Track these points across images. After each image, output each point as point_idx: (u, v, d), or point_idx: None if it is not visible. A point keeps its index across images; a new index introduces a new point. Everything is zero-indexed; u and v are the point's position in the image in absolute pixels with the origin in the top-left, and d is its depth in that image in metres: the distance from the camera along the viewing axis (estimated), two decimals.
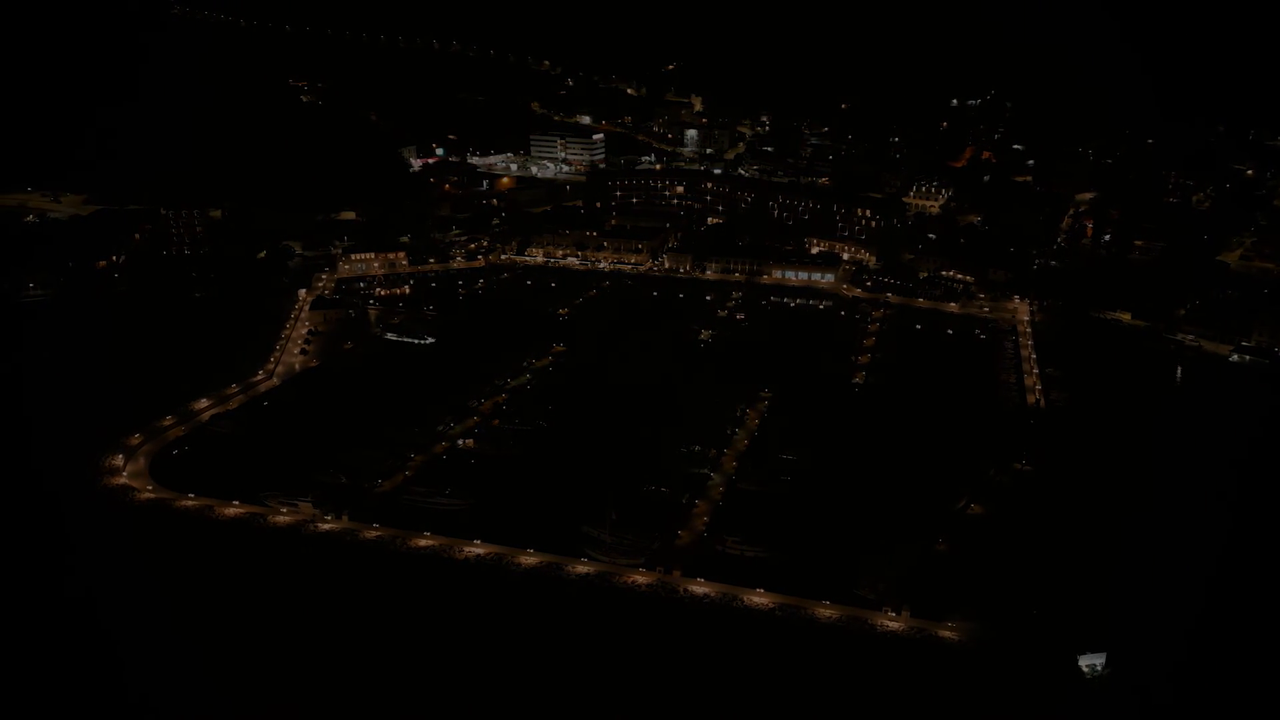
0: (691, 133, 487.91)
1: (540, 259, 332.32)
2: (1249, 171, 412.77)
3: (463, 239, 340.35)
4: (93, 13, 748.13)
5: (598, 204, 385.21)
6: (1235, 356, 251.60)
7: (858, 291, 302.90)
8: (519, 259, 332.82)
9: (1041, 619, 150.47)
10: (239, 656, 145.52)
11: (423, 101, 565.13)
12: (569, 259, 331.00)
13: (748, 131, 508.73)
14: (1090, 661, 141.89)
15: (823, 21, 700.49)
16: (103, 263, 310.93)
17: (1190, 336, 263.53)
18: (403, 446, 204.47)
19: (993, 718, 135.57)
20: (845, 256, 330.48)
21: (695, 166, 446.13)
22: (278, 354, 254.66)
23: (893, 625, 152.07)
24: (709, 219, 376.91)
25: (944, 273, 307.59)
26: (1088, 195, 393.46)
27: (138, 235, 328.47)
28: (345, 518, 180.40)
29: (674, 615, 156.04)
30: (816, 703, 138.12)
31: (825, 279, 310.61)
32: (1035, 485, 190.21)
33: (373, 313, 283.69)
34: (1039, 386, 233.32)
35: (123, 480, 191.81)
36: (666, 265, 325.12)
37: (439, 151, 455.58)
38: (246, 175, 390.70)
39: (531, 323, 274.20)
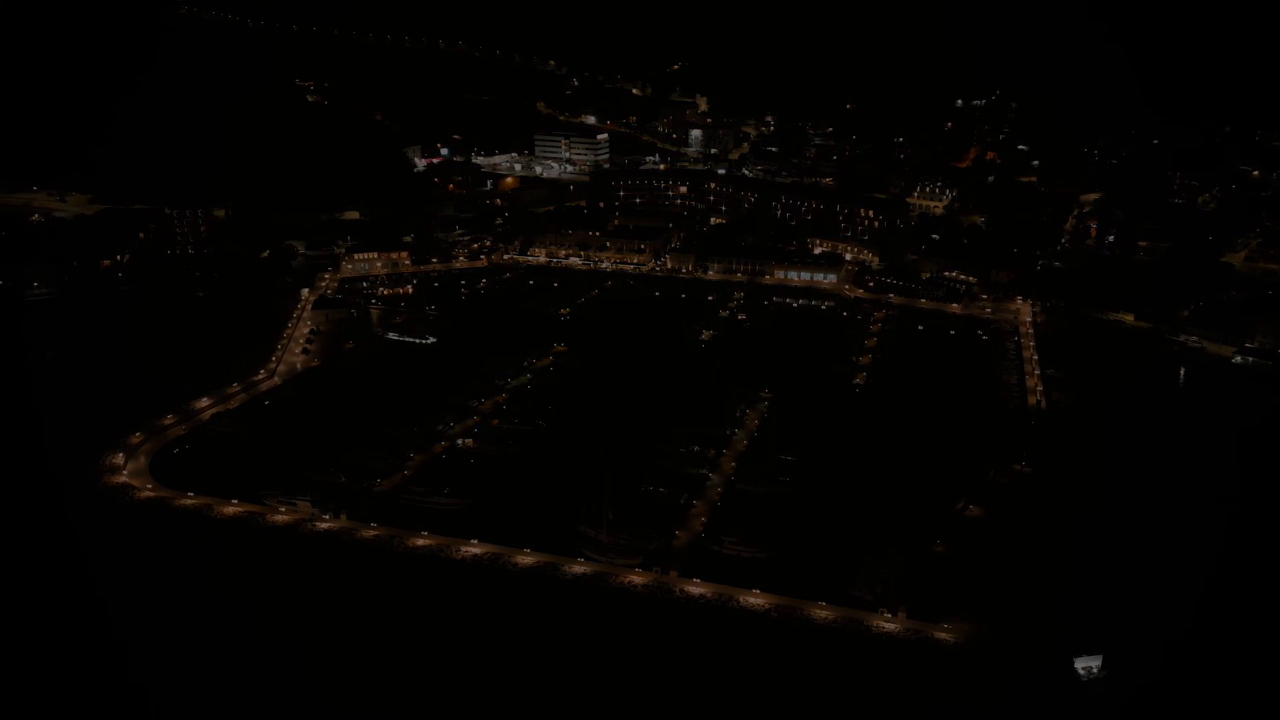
0: (696, 133, 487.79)
1: (543, 259, 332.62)
2: (1255, 173, 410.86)
3: (465, 239, 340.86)
4: (100, 12, 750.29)
5: (601, 204, 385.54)
6: (1238, 358, 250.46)
7: (860, 292, 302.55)
8: (521, 259, 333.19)
9: (1038, 621, 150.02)
10: (237, 655, 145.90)
11: (428, 101, 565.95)
12: (571, 259, 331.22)
13: (752, 132, 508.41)
14: (1086, 664, 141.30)
15: (828, 22, 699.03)
16: (107, 262, 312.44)
17: (1193, 338, 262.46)
18: (402, 446, 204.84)
19: None
20: (848, 257, 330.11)
21: (699, 166, 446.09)
22: (279, 353, 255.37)
23: (888, 627, 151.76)
24: (712, 219, 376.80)
25: (947, 273, 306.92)
26: (1092, 196, 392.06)
27: (142, 234, 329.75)
28: (343, 517, 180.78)
29: (670, 615, 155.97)
30: (811, 704, 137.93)
31: (828, 279, 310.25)
32: (1034, 487, 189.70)
33: (375, 312, 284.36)
34: (1040, 388, 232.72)
35: (123, 479, 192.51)
36: (669, 265, 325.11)
37: (443, 151, 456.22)
38: (251, 175, 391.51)
39: (533, 323, 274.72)
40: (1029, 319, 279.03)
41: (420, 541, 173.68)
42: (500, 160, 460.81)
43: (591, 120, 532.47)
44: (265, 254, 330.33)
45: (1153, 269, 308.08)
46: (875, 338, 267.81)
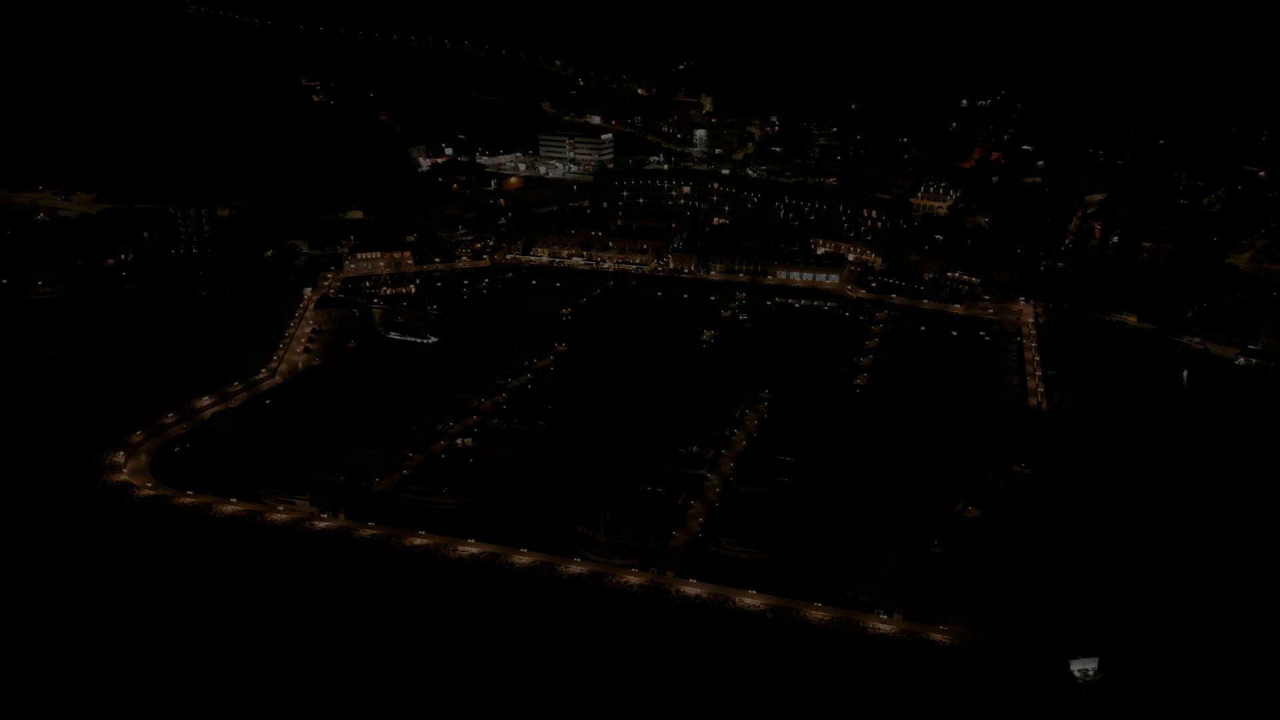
0: (701, 133, 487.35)
1: (545, 259, 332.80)
2: (1261, 173, 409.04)
3: (468, 238, 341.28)
4: (106, 12, 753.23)
5: (604, 204, 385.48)
6: (1241, 360, 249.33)
7: (862, 293, 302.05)
8: (524, 259, 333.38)
9: (1034, 623, 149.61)
10: (235, 653, 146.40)
11: (434, 101, 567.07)
12: (574, 259, 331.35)
13: (757, 132, 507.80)
14: (1082, 666, 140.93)
15: (833, 22, 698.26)
16: (111, 261, 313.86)
17: (1197, 339, 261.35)
18: (401, 445, 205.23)
19: None
20: (851, 258, 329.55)
21: (704, 166, 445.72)
22: (281, 352, 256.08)
23: (884, 628, 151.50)
24: (715, 219, 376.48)
25: (949, 274, 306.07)
26: (1097, 196, 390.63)
27: (147, 234, 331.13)
28: (341, 516, 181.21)
29: (666, 616, 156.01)
30: (806, 705, 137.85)
31: (830, 280, 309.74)
32: (1033, 488, 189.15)
33: (377, 312, 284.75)
34: (1041, 389, 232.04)
35: (123, 477, 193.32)
36: (671, 265, 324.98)
37: (448, 151, 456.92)
38: (255, 175, 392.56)
39: (534, 322, 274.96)
40: (1031, 320, 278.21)
41: (417, 541, 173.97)
42: (505, 160, 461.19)
43: (597, 120, 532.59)
44: (268, 253, 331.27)
45: (1156, 270, 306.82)
46: (877, 338, 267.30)
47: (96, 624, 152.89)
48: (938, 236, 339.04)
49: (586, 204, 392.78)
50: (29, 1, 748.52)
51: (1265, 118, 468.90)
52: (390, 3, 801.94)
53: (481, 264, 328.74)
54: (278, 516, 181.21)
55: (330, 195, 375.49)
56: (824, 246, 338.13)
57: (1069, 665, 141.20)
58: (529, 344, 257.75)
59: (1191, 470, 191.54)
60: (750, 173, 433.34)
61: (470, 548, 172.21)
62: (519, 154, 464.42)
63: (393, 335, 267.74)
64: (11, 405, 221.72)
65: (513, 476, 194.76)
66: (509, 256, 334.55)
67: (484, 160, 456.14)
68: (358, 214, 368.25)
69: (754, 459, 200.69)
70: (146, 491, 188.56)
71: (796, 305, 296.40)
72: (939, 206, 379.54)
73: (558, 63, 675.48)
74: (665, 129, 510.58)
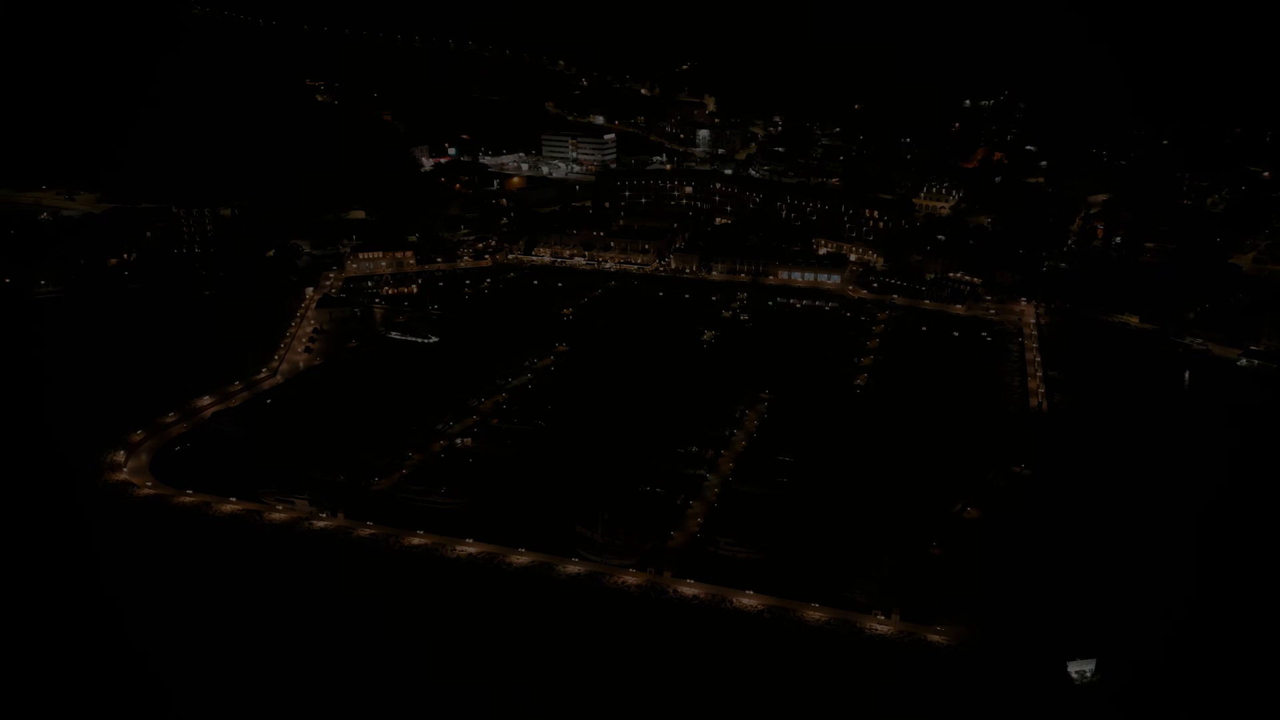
0: (704, 133, 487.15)
1: (547, 259, 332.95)
2: (1265, 174, 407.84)
3: (470, 238, 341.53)
4: (110, 12, 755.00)
5: (606, 204, 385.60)
6: (1243, 361, 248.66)
7: (864, 293, 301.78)
8: (526, 259, 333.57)
9: (1031, 623, 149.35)
10: (233, 652, 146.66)
11: (437, 101, 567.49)
12: (575, 259, 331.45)
13: (760, 132, 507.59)
14: (1080, 668, 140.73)
15: (836, 22, 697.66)
16: (114, 260, 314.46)
17: (1199, 340, 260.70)
18: (401, 445, 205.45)
19: None
20: (852, 258, 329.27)
21: (706, 167, 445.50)
22: (282, 352, 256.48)
23: (882, 628, 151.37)
24: (717, 219, 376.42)
25: (951, 274, 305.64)
26: (1101, 197, 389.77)
27: (149, 233, 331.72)
28: (340, 515, 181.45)
29: (663, 616, 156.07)
30: (803, 705, 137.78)
31: (831, 280, 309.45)
32: (1033, 489, 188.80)
33: (378, 311, 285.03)
34: (1041, 390, 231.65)
35: (123, 476, 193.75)
36: (673, 265, 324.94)
37: (451, 151, 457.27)
38: (258, 174, 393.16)
39: (535, 322, 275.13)
40: (1033, 320, 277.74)
41: (416, 540, 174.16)
42: (508, 160, 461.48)
43: (600, 120, 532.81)
44: (271, 253, 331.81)
45: (1159, 271, 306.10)
46: (878, 339, 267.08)
47: (97, 623, 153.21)
48: (940, 237, 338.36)
49: (589, 204, 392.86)
50: (33, 1, 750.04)
51: (1269, 118, 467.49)
52: (394, 3, 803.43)
53: (483, 264, 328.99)
54: (277, 516, 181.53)
55: (333, 195, 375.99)
56: (826, 247, 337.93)
57: (1066, 666, 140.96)
58: (530, 344, 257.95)
59: (1192, 471, 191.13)
60: (753, 173, 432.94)
61: (468, 547, 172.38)
62: (522, 154, 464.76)
63: (394, 335, 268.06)
64: (13, 404, 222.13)
65: (512, 476, 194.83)
66: (511, 256, 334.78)
67: (487, 160, 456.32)
68: (360, 214, 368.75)
69: (753, 459, 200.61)
70: (146, 490, 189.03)
71: (798, 305, 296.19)
72: (941, 207, 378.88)
73: (561, 63, 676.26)
74: (668, 129, 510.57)
